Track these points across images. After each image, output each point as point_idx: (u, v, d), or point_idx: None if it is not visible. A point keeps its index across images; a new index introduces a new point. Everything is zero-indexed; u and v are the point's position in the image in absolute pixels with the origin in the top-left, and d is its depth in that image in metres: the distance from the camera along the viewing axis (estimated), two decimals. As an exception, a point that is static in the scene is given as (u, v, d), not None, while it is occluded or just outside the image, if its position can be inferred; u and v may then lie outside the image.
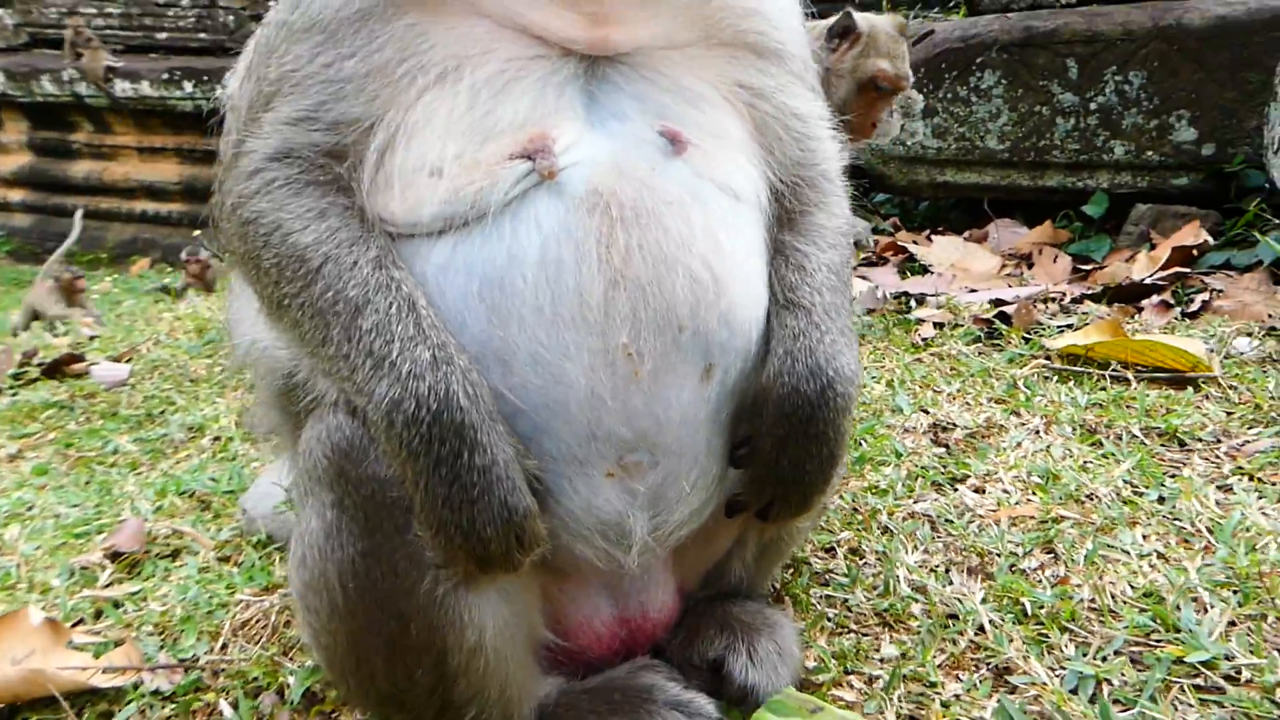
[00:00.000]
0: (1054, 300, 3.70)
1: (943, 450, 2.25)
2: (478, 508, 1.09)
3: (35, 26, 11.91)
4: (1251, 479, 2.00)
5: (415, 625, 1.16)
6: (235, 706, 1.54)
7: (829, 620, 1.61)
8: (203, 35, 11.45)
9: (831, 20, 3.50)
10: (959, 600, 1.62)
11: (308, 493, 1.21)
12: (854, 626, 1.60)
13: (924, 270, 4.34)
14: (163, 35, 11.64)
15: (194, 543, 2.34)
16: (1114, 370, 2.61)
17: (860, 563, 1.80)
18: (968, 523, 1.90)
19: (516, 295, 1.14)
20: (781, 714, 1.31)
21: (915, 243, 4.62)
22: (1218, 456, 2.11)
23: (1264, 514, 1.82)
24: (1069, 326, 3.13)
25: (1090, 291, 3.65)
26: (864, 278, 4.31)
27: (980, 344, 3.14)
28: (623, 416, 1.18)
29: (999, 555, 1.75)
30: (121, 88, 11.12)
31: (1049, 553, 1.75)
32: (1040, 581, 1.66)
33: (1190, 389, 2.46)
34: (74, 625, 1.86)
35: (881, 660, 1.49)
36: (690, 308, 1.19)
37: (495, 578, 1.17)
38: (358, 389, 1.11)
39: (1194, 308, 3.27)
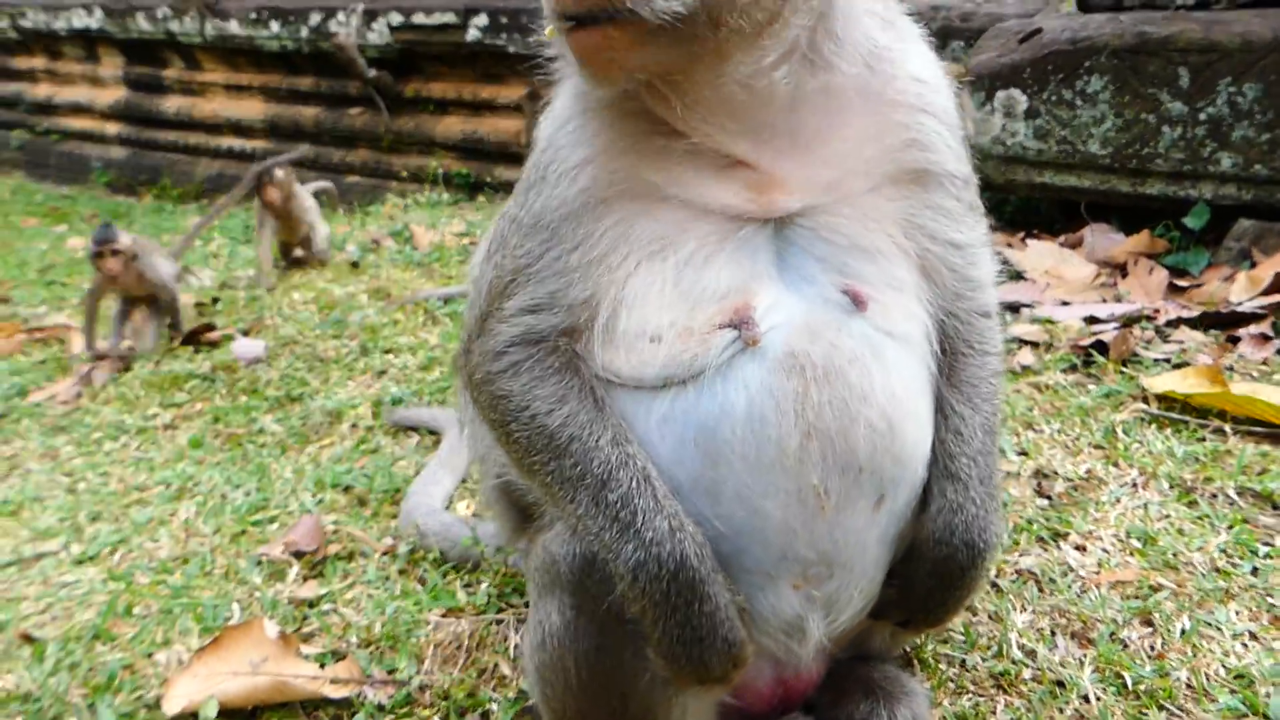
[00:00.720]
0: (1149, 320, 3.79)
1: (1045, 502, 2.45)
2: (705, 644, 1.35)
3: (131, -35, 12.17)
4: (1342, 552, 2.16)
5: (633, 705, 1.44)
6: (445, 723, 1.86)
7: (950, 681, 1.85)
8: (289, -23, 11.60)
9: None
10: (1064, 667, 1.85)
11: (548, 589, 1.48)
12: (971, 688, 1.84)
13: (1018, 275, 4.44)
14: (250, -25, 11.82)
15: (365, 545, 2.66)
16: (1212, 422, 2.75)
17: (974, 621, 2.03)
18: (1070, 583, 2.11)
19: (725, 444, 1.37)
20: (919, 777, 1.57)
21: (1010, 245, 4.70)
22: (1310, 525, 2.27)
23: (1351, 595, 1.99)
24: (1166, 361, 3.24)
25: (1186, 315, 3.74)
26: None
27: (1077, 373, 3.28)
28: (809, 542, 1.41)
29: (1101, 622, 1.97)
30: (211, 25, 11.37)
31: (1147, 624, 1.95)
32: (1139, 654, 1.87)
33: (1286, 447, 2.60)
34: (294, 631, 2.19)
35: (999, 724, 1.73)
36: (869, 453, 1.40)
37: (711, 689, 1.43)
38: (605, 546, 1.37)
39: (1293, 343, 3.35)
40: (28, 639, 2.39)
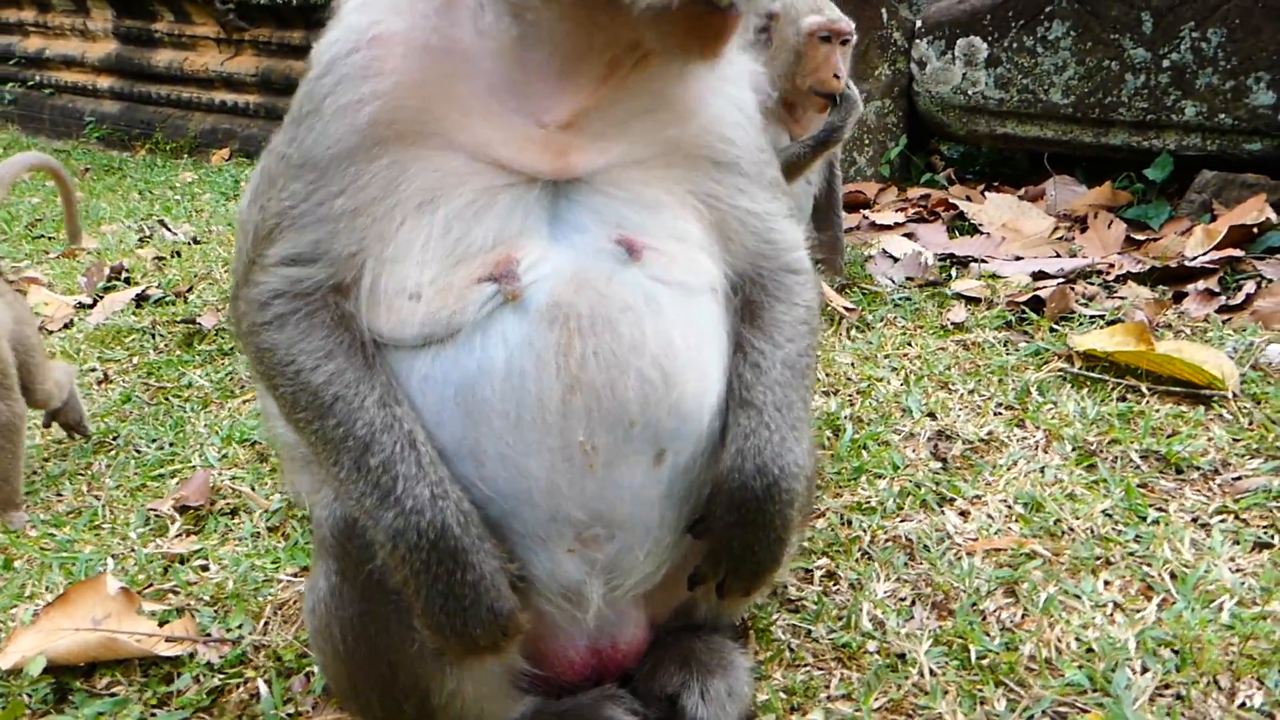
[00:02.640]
0: (1099, 274, 3.65)
1: (939, 465, 2.35)
2: (469, 614, 1.29)
3: (115, -88, 11.97)
4: (1236, 518, 2.06)
5: (403, 673, 1.38)
6: (270, 685, 1.81)
7: (790, 651, 1.77)
8: (278, -77, 11.35)
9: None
10: (910, 640, 1.76)
11: (316, 553, 1.41)
12: (810, 660, 1.76)
13: (974, 230, 4.29)
14: (238, -77, 11.57)
15: (250, 501, 2.61)
16: (1131, 381, 2.63)
17: (833, 589, 1.95)
18: (944, 551, 2.02)
19: (485, 403, 1.29)
20: (724, 752, 1.50)
21: (968, 198, 4.54)
22: (1209, 490, 2.16)
23: (1232, 565, 1.89)
24: (1100, 318, 3.11)
25: (1137, 270, 3.59)
26: (910, 235, 4.30)
27: (1010, 330, 3.16)
28: (579, 502, 1.34)
29: (964, 592, 1.88)
30: (198, -24, 11.16)
31: (1010, 595, 1.87)
32: (992, 627, 1.78)
33: (1202, 407, 2.48)
34: (145, 588, 2.14)
35: (828, 698, 1.66)
36: (640, 405, 1.32)
37: (483, 659, 1.36)
38: (365, 512, 1.29)
39: (1238, 299, 3.20)
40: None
